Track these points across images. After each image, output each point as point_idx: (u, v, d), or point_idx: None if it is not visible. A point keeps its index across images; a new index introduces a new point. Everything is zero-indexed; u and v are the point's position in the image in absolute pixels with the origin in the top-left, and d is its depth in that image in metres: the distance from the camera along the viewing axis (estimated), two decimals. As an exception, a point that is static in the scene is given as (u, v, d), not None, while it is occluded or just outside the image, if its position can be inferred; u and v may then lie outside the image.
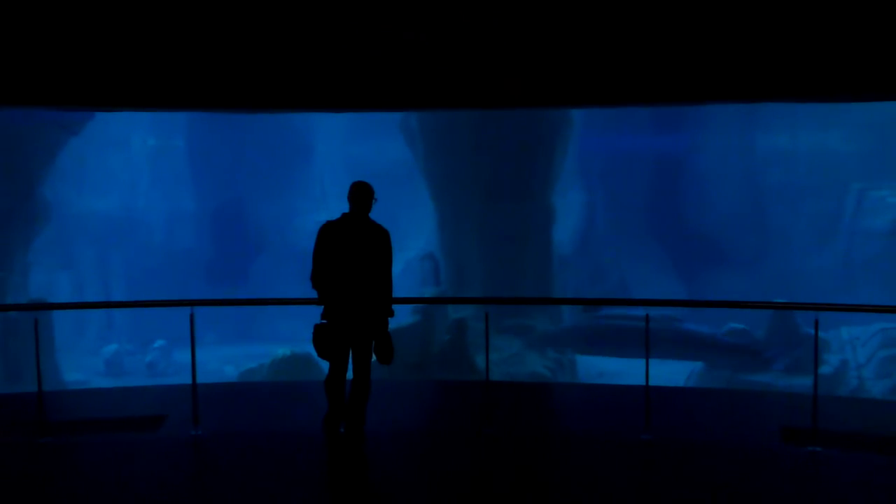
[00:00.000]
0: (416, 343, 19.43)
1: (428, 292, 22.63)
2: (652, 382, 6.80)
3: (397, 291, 6.63)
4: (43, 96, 7.05)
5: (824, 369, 20.36)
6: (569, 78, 6.85)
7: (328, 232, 6.35)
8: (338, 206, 6.41)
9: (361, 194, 6.35)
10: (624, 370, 22.15)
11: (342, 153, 32.05)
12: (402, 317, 20.22)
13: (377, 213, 6.49)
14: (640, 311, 16.48)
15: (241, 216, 32.51)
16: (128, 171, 32.02)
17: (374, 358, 6.45)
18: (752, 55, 6.57)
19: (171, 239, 32.13)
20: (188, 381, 7.04)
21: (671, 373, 20.57)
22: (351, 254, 6.28)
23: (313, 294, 6.44)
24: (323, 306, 6.37)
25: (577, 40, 6.73)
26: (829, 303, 7.11)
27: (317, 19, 6.82)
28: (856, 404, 10.78)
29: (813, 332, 6.70)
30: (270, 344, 24.15)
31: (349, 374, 6.46)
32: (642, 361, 6.85)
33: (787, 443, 6.60)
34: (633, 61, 6.72)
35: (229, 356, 25.58)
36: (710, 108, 26.41)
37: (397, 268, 6.88)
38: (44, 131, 20.68)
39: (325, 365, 6.61)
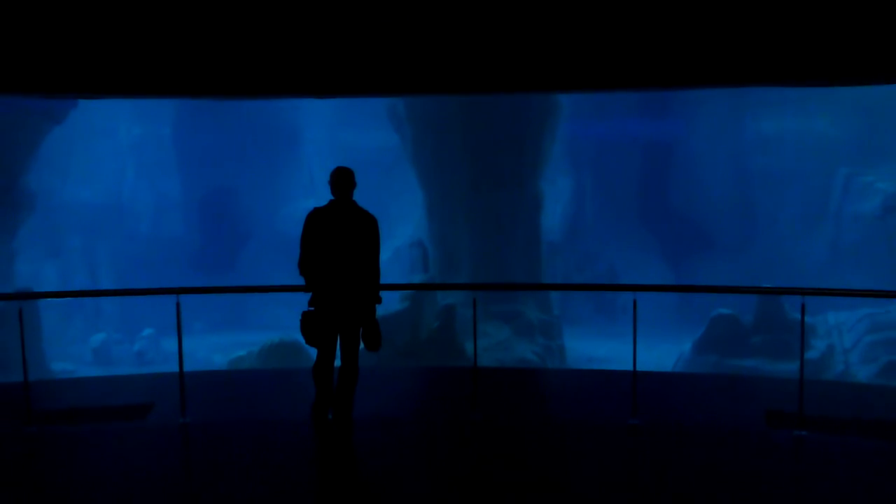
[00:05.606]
0: (405, 330, 19.43)
1: (416, 279, 22.61)
2: (640, 368, 6.83)
3: (385, 278, 6.61)
4: (26, 84, 6.95)
5: (810, 354, 20.53)
6: (556, 63, 6.82)
7: (316, 218, 6.31)
8: (325, 194, 6.37)
9: (344, 180, 6.31)
10: (612, 356, 22.27)
11: (330, 140, 31.90)
12: (390, 303, 20.16)
13: (365, 200, 6.45)
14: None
15: (228, 204, 32.35)
16: (113, 159, 31.76)
17: (361, 345, 6.44)
18: (739, 39, 6.56)
19: (158, 227, 31.95)
20: (176, 369, 7.01)
21: (659, 358, 20.70)
22: (338, 240, 6.25)
23: (301, 281, 6.41)
24: (311, 293, 6.34)
25: (564, 24, 6.70)
26: (815, 287, 7.16)
27: (303, 5, 6.76)
28: (841, 389, 10.86)
29: (799, 316, 6.74)
30: (258, 332, 24.10)
31: (337, 361, 6.45)
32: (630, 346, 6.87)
33: (773, 426, 6.66)
34: (621, 46, 6.70)
35: (217, 344, 25.54)
36: (698, 94, 26.41)
37: (385, 255, 6.86)
38: (27, 120, 20.46)
39: (313, 352, 6.59)
